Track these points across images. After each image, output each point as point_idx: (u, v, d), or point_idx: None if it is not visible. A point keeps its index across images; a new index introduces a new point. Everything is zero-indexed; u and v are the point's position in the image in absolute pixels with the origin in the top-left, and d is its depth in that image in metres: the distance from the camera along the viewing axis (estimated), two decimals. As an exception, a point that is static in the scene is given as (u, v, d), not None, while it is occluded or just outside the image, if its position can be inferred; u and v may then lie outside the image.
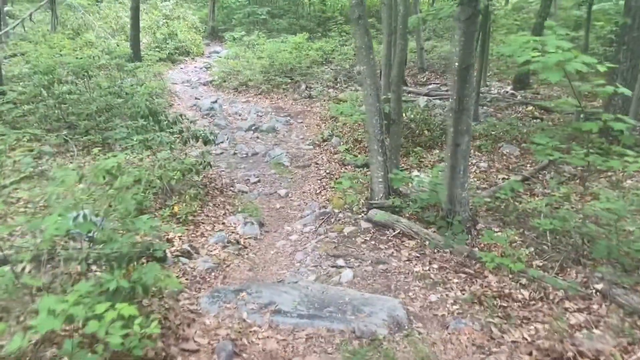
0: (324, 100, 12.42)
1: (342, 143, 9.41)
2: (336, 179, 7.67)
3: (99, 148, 8.29)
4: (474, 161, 8.47)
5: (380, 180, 5.85)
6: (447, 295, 4.12)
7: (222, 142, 9.60)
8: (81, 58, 10.26)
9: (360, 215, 5.80)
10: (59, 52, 14.84)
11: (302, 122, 10.97)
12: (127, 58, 15.10)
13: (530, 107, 11.64)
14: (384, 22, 8.70)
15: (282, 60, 14.52)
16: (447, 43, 17.54)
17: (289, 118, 11.19)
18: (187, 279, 4.44)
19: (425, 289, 4.24)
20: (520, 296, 4.06)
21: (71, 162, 8.02)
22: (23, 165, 6.86)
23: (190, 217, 5.64)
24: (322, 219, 5.92)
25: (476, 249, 4.87)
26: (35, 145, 8.72)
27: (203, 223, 5.68)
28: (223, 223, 5.82)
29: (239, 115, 11.48)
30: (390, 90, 6.82)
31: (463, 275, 4.44)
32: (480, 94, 13.07)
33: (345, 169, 8.28)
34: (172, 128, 6.61)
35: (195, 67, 16.85)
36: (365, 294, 4.07)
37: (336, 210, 6.11)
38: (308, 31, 18.61)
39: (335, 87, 13.83)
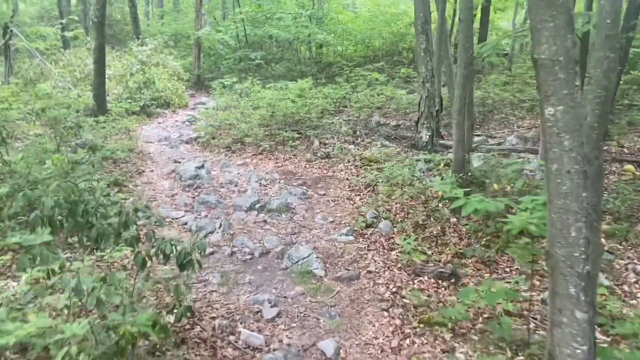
0: (348, 161, 9.26)
1: (396, 230, 6.16)
2: (418, 311, 4.34)
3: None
4: (623, 262, 5.25)
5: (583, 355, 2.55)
6: None
7: (212, 233, 6.28)
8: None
9: None
10: (8, 106, 11.77)
11: (325, 195, 7.73)
12: (89, 111, 12.03)
13: (628, 166, 8.64)
14: (462, 33, 5.72)
15: (286, 110, 11.48)
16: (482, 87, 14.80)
17: (305, 188, 7.95)
18: None
19: None
20: None
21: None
22: None
23: None
24: None
25: None
26: None
27: None
28: None
29: (235, 186, 8.22)
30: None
31: None
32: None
33: (421, 281, 4.98)
34: (117, 240, 3.31)
35: (176, 120, 13.75)
36: None
37: None
38: (309, 77, 15.80)
39: (355, 142, 10.76)
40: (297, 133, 10.77)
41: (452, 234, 5.99)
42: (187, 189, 8.02)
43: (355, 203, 7.22)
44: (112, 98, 13.60)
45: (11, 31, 14.61)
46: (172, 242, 3.40)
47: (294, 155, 9.80)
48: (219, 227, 6.40)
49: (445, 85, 12.71)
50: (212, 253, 5.71)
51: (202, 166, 8.80)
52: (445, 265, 5.25)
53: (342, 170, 8.82)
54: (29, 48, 14.67)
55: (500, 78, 15.42)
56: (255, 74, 16.79)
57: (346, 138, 10.90)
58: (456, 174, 6.12)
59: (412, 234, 5.96)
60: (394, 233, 6.10)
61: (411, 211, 6.55)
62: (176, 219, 6.81)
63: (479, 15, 19.29)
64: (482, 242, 5.70)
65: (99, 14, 11.37)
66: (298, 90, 12.86)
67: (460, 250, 5.58)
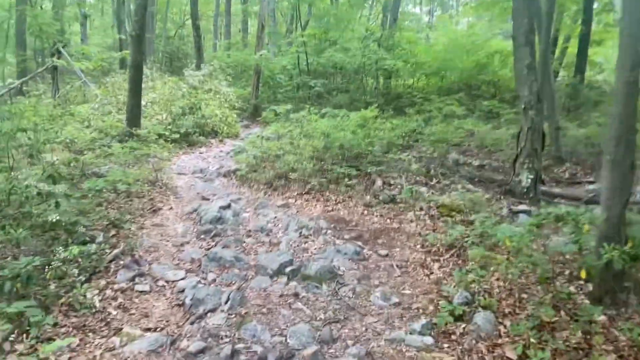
0: (420, 209, 6.93)
1: (503, 330, 3.74)
2: None
3: None
4: None
5: None
6: None
7: (213, 311, 4.16)
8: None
9: None
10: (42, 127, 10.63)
11: (388, 256, 5.44)
12: (122, 136, 10.61)
13: None
14: (628, 17, 3.37)
15: (344, 142, 9.36)
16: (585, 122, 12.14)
17: (360, 245, 5.70)
18: None
19: None
20: None
21: None
22: None
23: None
24: None
25: None
26: None
27: None
28: None
29: (267, 235, 6.12)
30: None
31: None
32: None
33: None
34: None
35: (220, 151, 12.04)
36: None
37: None
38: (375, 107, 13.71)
39: (429, 183, 8.43)
40: (356, 169, 8.60)
41: (603, 347, 3.49)
42: (202, 236, 6.02)
43: (433, 273, 4.86)
44: (153, 123, 12.19)
45: (59, 51, 13.82)
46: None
47: (349, 197, 7.60)
48: (226, 302, 4.26)
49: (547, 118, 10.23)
50: (201, 351, 3.55)
51: (229, 206, 6.82)
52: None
53: (412, 221, 6.50)
54: (75, 69, 13.76)
55: (606, 117, 12.60)
56: (314, 103, 14.98)
57: (417, 178, 8.59)
58: (611, 242, 3.66)
59: (532, 340, 3.53)
60: (500, 336, 3.68)
61: (525, 296, 4.11)
62: (173, 281, 4.78)
63: (575, 44, 16.67)
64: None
65: (137, 26, 10.03)
66: (360, 120, 10.76)
67: (630, 385, 3.09)
